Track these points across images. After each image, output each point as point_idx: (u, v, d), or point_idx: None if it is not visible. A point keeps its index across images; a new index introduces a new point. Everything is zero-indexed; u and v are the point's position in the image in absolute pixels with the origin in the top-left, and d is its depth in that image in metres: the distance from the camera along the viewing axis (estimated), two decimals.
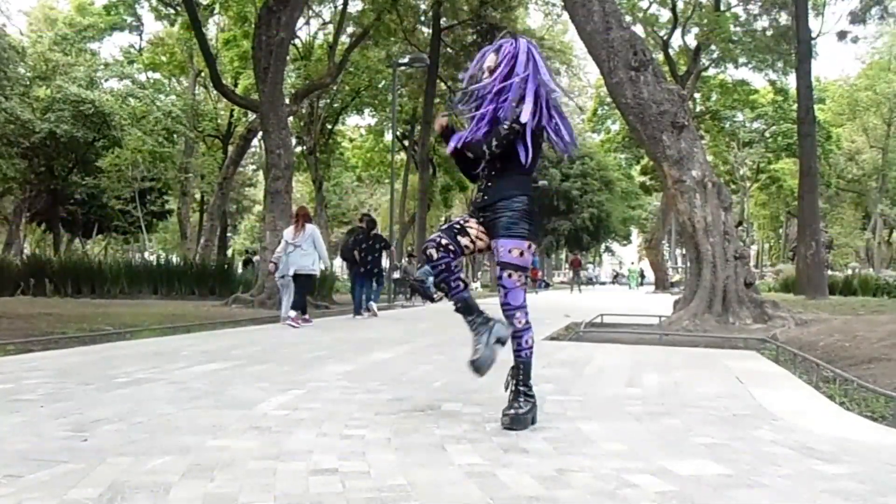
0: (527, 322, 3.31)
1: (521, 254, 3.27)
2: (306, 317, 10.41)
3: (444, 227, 3.50)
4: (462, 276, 3.44)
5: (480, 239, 3.39)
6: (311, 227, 10.53)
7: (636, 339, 8.08)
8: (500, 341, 3.29)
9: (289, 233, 10.65)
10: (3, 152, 25.92)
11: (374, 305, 12.36)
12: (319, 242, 10.56)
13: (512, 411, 3.22)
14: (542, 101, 3.36)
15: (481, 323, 3.33)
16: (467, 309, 3.37)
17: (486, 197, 3.36)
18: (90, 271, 17.65)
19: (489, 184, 3.37)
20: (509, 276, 3.27)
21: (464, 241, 3.38)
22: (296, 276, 10.35)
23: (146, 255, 34.86)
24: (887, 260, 44.73)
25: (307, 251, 10.32)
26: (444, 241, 3.34)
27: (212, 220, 26.94)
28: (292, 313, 9.93)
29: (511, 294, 3.28)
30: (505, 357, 3.33)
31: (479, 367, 3.28)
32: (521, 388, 3.29)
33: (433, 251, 3.32)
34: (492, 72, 3.39)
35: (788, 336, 7.65)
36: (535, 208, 3.38)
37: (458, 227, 3.42)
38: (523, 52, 3.36)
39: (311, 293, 11.80)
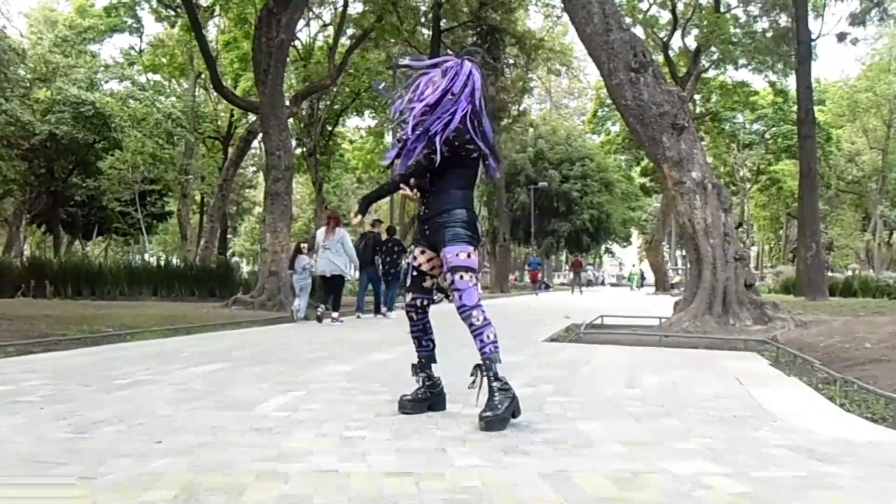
0: (485, 318, 3.36)
1: (469, 255, 3.42)
2: (335, 315, 11.00)
3: (410, 281, 3.67)
4: (433, 336, 3.68)
5: (434, 266, 3.60)
6: (340, 231, 11.22)
7: (636, 340, 8.07)
8: (432, 409, 3.63)
9: (320, 235, 11.36)
10: (3, 154, 25.94)
11: (385, 310, 12.70)
12: (348, 245, 11.23)
13: (489, 413, 3.22)
14: (472, 123, 3.46)
15: (431, 386, 3.64)
16: (426, 366, 3.64)
17: (427, 210, 3.54)
18: (90, 273, 17.65)
19: (430, 198, 3.53)
20: (461, 277, 3.37)
21: (427, 284, 3.64)
22: (328, 278, 11.10)
23: (146, 256, 34.83)
24: (887, 261, 44.73)
25: (337, 253, 11.00)
26: (419, 303, 3.63)
27: (212, 222, 26.92)
28: (335, 314, 10.89)
29: (466, 294, 3.35)
30: (505, 359, 3.33)
31: (405, 409, 3.59)
32: (494, 385, 3.31)
33: (413, 314, 3.62)
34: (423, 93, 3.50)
35: (788, 337, 7.65)
36: (475, 218, 3.58)
37: (417, 275, 3.63)
38: (464, 73, 3.48)
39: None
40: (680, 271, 42.14)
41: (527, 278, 43.35)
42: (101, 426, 3.16)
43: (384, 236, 13.16)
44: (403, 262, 12.35)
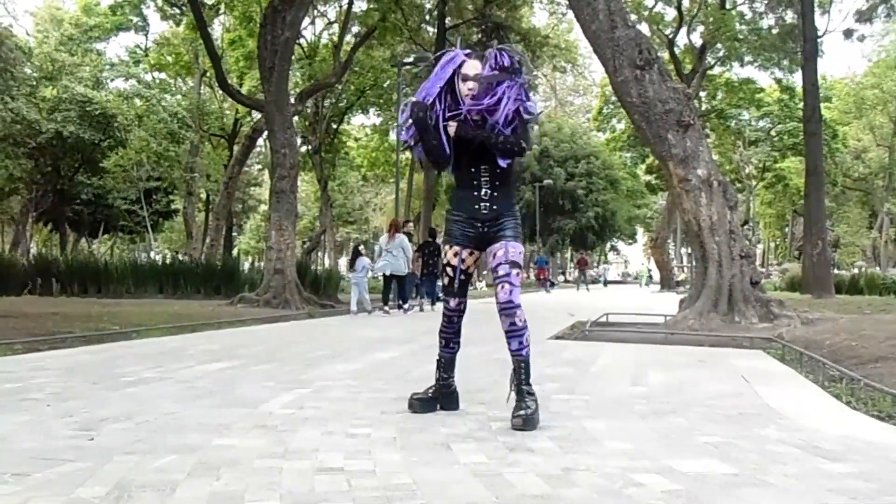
0: (525, 320, 3.33)
1: (521, 253, 3.40)
2: (406, 307, 13.26)
3: (458, 285, 3.49)
4: (460, 340, 3.63)
5: (471, 266, 3.55)
6: (400, 237, 12.96)
7: (641, 338, 8.06)
8: (444, 407, 3.60)
9: (383, 240, 13.24)
10: (9, 152, 26.04)
11: (428, 305, 14.06)
12: (407, 248, 12.97)
13: (522, 412, 3.19)
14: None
15: (443, 386, 3.60)
16: (447, 369, 3.61)
17: (494, 207, 3.41)
18: (96, 271, 17.69)
19: (495, 194, 3.42)
20: (517, 273, 3.34)
21: (468, 285, 3.61)
22: (392, 277, 13.01)
23: (152, 254, 34.94)
24: (894, 259, 44.54)
25: (397, 256, 12.72)
26: (463, 306, 3.54)
27: (217, 220, 26.98)
28: (406, 305, 13.24)
29: (515, 292, 3.30)
30: (507, 356, 3.33)
31: (418, 409, 3.55)
32: (525, 388, 3.28)
33: (455, 318, 3.54)
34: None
35: (794, 335, 7.63)
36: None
37: (465, 278, 3.51)
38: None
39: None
40: (685, 269, 42.06)
41: (532, 275, 43.30)
42: (107, 423, 3.17)
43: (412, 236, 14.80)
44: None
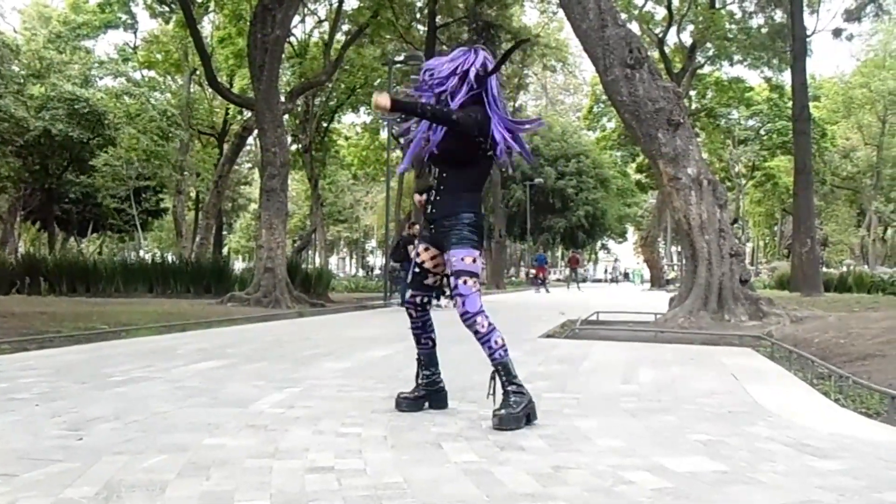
0: (489, 324, 3.30)
1: (474, 260, 3.36)
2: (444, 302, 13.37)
3: (412, 278, 3.59)
4: (433, 335, 3.61)
5: (437, 264, 3.55)
6: None
7: (631, 336, 8.08)
8: (432, 406, 3.60)
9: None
10: None
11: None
12: None
13: (502, 411, 3.18)
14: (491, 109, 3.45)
15: (430, 384, 3.59)
16: (428, 364, 3.60)
17: (434, 210, 3.46)
18: (85, 270, 17.58)
19: (438, 198, 3.46)
20: (465, 282, 3.31)
21: (428, 281, 3.59)
22: None
23: (141, 253, 34.77)
24: (882, 257, 44.87)
25: None
26: (419, 300, 3.57)
27: (207, 219, 26.86)
28: (435, 301, 13.48)
29: (469, 301, 3.29)
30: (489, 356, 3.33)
31: (403, 408, 3.55)
32: (509, 388, 3.26)
33: (413, 311, 3.57)
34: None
35: (783, 333, 7.67)
36: (482, 221, 3.47)
37: (419, 271, 3.57)
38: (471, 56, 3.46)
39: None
40: (675, 267, 42.20)
41: (522, 274, 43.36)
42: (96, 423, 3.16)
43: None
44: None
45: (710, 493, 2.25)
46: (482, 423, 3.27)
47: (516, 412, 3.19)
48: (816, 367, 5.07)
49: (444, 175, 3.47)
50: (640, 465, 2.58)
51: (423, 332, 3.59)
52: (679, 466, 2.56)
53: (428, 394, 3.60)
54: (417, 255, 3.59)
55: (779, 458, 2.72)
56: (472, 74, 3.40)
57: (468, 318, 3.28)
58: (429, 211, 3.49)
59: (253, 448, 2.76)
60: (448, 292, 15.36)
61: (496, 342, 3.29)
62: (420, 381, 3.60)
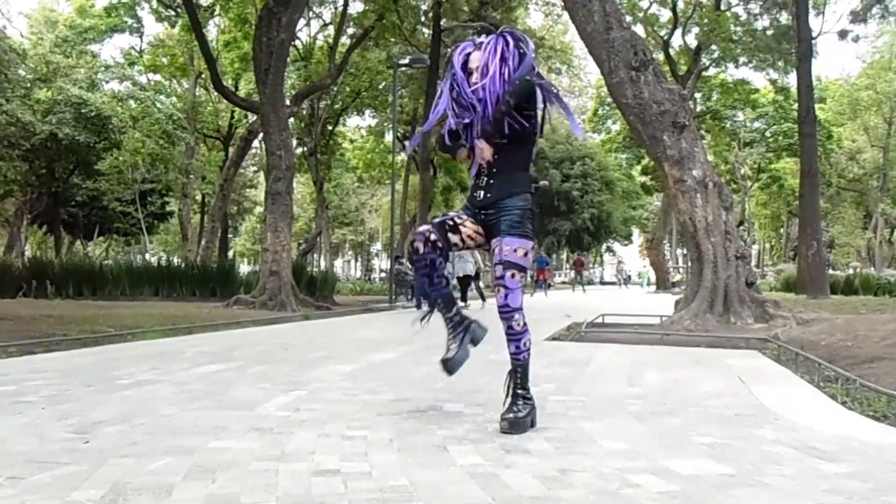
0: (524, 324, 3.24)
1: (525, 254, 3.22)
2: (466, 304, 14.03)
3: (436, 221, 3.40)
4: (445, 273, 3.44)
5: (472, 239, 3.36)
6: None
7: (638, 339, 8.07)
8: (474, 342, 3.43)
9: None
10: (3, 154, 25.92)
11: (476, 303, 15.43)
12: (476, 254, 15.21)
13: (511, 415, 3.16)
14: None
15: (458, 322, 3.43)
16: (447, 305, 3.44)
17: (489, 195, 3.28)
18: (91, 273, 17.63)
19: (491, 181, 3.30)
20: (512, 276, 3.18)
21: (454, 238, 3.34)
22: (461, 277, 15.20)
23: (147, 256, 34.87)
24: (888, 259, 44.63)
25: (468, 259, 15.02)
26: (432, 237, 3.30)
27: (213, 222, 26.93)
28: (461, 304, 13.92)
29: (511, 295, 3.18)
30: (505, 357, 3.33)
31: (451, 366, 3.40)
32: (520, 392, 3.24)
33: (420, 244, 3.30)
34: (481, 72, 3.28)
35: (790, 335, 7.64)
36: (536, 209, 3.31)
37: (450, 223, 3.35)
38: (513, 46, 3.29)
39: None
40: (681, 270, 42.09)
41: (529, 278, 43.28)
42: (103, 426, 3.16)
43: None
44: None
45: (715, 496, 2.24)
46: (488, 426, 3.27)
47: (522, 417, 3.18)
48: (823, 370, 5.05)
49: (497, 156, 3.27)
50: (645, 467, 2.58)
51: (433, 269, 3.36)
52: (685, 469, 2.55)
53: (464, 333, 3.43)
54: (461, 218, 3.35)
55: (785, 460, 2.72)
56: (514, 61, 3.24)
57: (508, 313, 3.19)
58: (480, 197, 3.31)
59: (259, 451, 2.76)
60: (463, 296, 15.51)
61: (525, 343, 3.25)
62: (453, 331, 3.43)
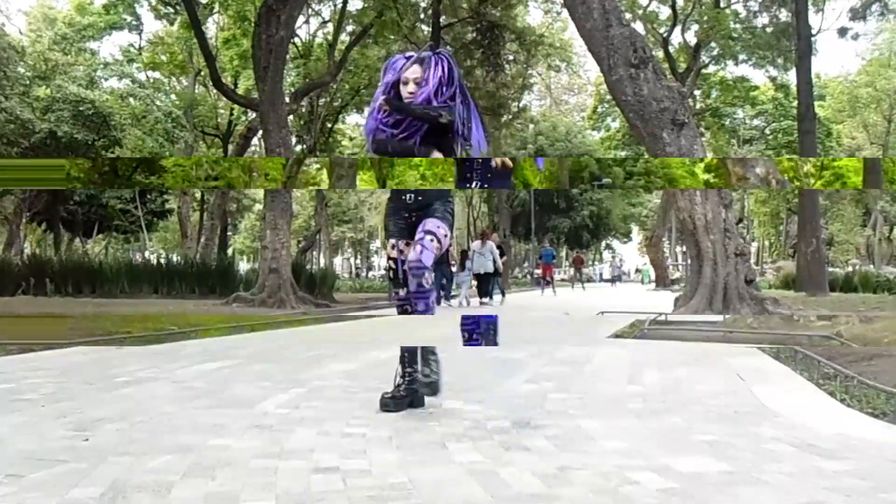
0: (432, 283, 3.46)
1: (445, 235, 3.46)
2: (489, 300, 15.73)
3: (401, 274, 3.56)
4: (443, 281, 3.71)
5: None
6: (490, 242, 16.01)
7: (703, 336, 7.79)
8: (414, 404, 3.61)
9: (476, 245, 16.25)
10: (2, 152, 25.88)
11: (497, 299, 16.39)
12: (495, 253, 15.84)
13: (427, 379, 3.40)
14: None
15: (410, 382, 3.59)
16: (412, 359, 3.61)
17: (419, 198, 3.51)
18: (91, 271, 17.65)
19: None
20: (431, 240, 3.38)
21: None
22: (481, 275, 15.80)
23: (146, 254, 34.85)
24: (887, 257, 44.71)
25: (487, 258, 15.59)
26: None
27: (212, 220, 26.96)
28: (486, 300, 15.77)
29: (426, 254, 3.35)
30: (503, 355, 3.33)
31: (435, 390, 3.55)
32: (431, 358, 3.44)
33: (409, 307, 3.58)
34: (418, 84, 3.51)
35: (853, 333, 7.30)
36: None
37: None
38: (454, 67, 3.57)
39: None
40: (680, 267, 42.12)
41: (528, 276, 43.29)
42: (102, 424, 3.16)
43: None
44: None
45: (715, 494, 2.24)
46: (488, 423, 3.27)
47: (438, 378, 3.45)
48: (822, 367, 5.05)
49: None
50: (645, 465, 2.58)
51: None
52: (684, 467, 2.55)
53: (410, 393, 3.59)
54: (400, 252, 3.57)
55: (785, 458, 2.71)
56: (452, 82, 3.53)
57: (419, 269, 3.36)
58: (409, 199, 3.54)
59: (258, 449, 2.76)
60: (452, 294, 15.60)
61: (433, 301, 3.49)
62: (403, 380, 3.60)
